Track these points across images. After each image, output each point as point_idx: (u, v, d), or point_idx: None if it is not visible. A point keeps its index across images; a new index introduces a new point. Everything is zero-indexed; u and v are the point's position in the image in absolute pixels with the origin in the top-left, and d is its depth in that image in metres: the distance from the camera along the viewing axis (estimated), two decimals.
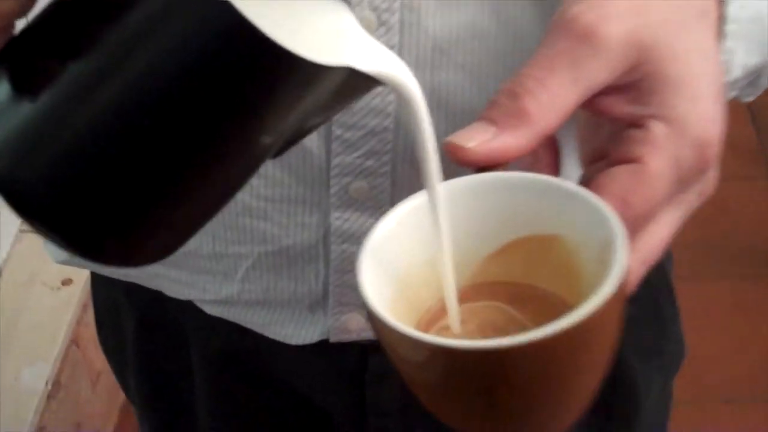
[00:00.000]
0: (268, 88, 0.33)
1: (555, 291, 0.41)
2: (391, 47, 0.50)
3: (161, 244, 0.37)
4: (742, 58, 0.48)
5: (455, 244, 0.40)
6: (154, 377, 0.75)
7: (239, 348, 0.67)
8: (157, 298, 0.66)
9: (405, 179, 0.55)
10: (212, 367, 0.70)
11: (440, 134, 0.40)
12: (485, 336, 0.40)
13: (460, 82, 0.52)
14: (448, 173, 0.54)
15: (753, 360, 1.62)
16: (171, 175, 0.34)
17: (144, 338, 0.73)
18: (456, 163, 0.40)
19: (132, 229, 0.35)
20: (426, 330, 0.41)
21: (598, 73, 0.40)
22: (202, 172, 0.35)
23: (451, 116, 0.53)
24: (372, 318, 0.37)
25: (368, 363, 0.66)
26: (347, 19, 0.38)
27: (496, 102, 0.40)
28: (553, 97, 0.39)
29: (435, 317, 0.42)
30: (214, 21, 0.32)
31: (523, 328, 0.38)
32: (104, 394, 1.57)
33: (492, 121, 0.40)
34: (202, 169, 0.34)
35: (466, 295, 0.42)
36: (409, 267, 0.41)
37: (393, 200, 0.55)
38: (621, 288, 0.35)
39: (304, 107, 0.36)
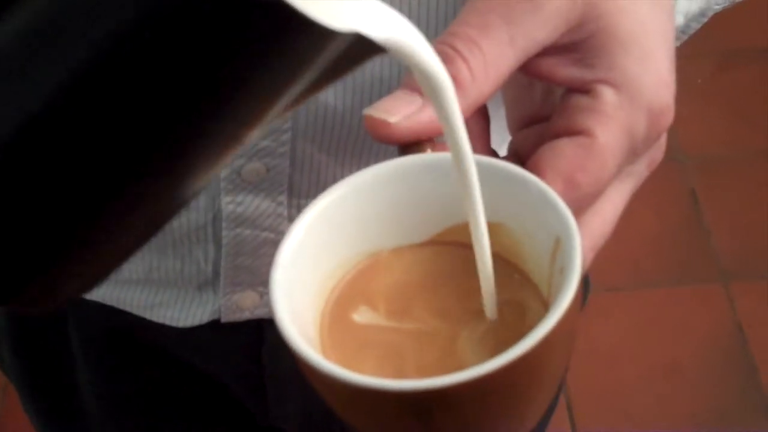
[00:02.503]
0: (249, 62, 0.23)
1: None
2: None
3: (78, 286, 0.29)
4: (684, 5, 0.44)
5: (386, 234, 0.36)
6: (31, 355, 0.69)
7: (120, 324, 0.62)
8: None
9: (305, 159, 0.50)
10: (93, 344, 0.65)
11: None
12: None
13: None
14: (369, 149, 0.49)
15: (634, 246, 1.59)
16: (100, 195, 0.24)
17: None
18: (377, 140, 0.35)
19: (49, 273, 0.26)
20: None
21: (537, 31, 0.35)
22: (152, 188, 0.25)
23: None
24: (297, 359, 0.32)
25: (264, 337, 0.62)
26: None
27: None
28: (488, 61, 0.34)
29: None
30: None
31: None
32: None
33: (417, 89, 0.35)
34: (152, 182, 0.25)
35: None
36: (324, 278, 0.37)
37: (292, 182, 0.51)
38: (576, 298, 0.31)
39: (288, 87, 0.25)
